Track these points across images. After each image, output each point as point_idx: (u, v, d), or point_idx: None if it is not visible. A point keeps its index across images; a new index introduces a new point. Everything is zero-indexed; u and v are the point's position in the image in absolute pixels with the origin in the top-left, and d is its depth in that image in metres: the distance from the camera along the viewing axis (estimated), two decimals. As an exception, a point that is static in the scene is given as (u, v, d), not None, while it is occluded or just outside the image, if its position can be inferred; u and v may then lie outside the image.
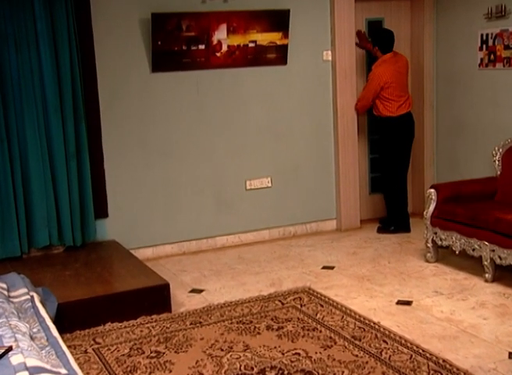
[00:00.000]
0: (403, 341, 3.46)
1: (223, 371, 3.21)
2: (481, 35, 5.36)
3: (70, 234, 4.87)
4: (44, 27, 4.59)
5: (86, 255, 4.80)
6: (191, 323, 3.84)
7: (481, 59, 5.41)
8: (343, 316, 3.85)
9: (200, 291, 4.48)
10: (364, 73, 5.93)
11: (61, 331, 2.98)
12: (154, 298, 3.99)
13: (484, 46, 5.36)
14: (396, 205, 5.69)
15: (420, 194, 6.04)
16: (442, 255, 4.91)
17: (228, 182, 5.53)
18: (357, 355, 3.32)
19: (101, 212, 5.07)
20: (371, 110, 5.73)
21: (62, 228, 4.87)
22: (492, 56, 5.30)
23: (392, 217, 5.71)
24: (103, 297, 3.91)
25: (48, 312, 3.29)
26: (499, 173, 4.98)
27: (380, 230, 5.74)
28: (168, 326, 3.82)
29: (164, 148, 5.26)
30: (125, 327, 3.80)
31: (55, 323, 3.15)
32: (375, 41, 5.55)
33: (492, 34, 5.26)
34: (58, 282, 4.15)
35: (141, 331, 3.75)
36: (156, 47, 4.98)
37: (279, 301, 4.17)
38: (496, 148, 5.01)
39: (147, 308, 3.95)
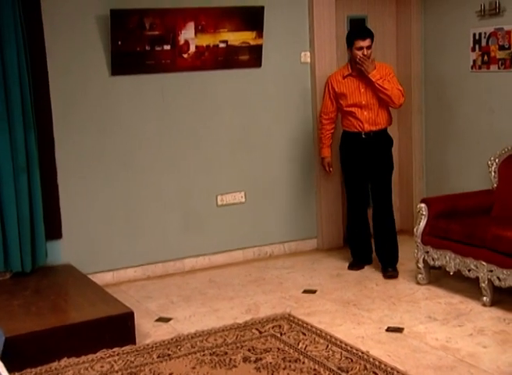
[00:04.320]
0: (395, 373, 3.45)
1: (196, 410, 3.18)
2: (474, 34, 5.46)
3: (18, 258, 4.80)
4: (-13, 25, 4.54)
5: (37, 281, 4.72)
6: (158, 356, 3.80)
7: (474, 61, 5.50)
8: (327, 345, 3.84)
9: (167, 320, 4.44)
10: (346, 76, 5.99)
11: (9, 370, 2.92)
12: (116, 329, 3.94)
13: (477, 46, 5.45)
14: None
15: (409, 209, 6.09)
16: (435, 276, 4.95)
17: (197, 197, 5.51)
18: (345, 390, 3.32)
19: (54, 232, 5.01)
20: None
21: (8, 251, 4.79)
22: (485, 57, 5.39)
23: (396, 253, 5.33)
24: (57, 329, 3.84)
25: (-6, 348, 3.22)
26: (495, 185, 5.05)
27: (388, 276, 5.17)
28: (132, 360, 3.77)
29: (125, 160, 5.22)
30: (83, 363, 3.74)
31: (1, 360, 3.09)
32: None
33: (485, 33, 5.35)
34: (4, 313, 4.07)
35: (102, 367, 3.69)
36: (116, 47, 4.96)
37: (257, 329, 4.15)
38: (492, 158, 5.08)
39: (108, 341, 3.89)
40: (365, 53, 5.05)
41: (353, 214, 5.41)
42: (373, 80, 5.04)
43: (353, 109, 5.19)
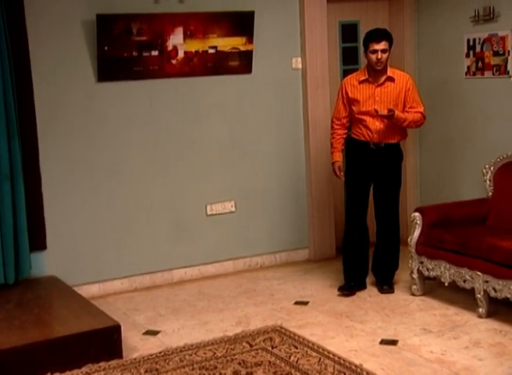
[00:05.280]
0: (389, 387, 3.45)
1: None
2: (468, 40, 5.48)
3: (1, 270, 4.76)
4: (-31, 30, 4.53)
5: (20, 294, 4.69)
6: (146, 371, 3.77)
7: (468, 67, 5.52)
8: (320, 359, 3.82)
9: (155, 333, 4.42)
10: (338, 83, 5.97)
11: (-9, 385, 2.91)
12: (103, 343, 3.91)
13: (471, 52, 5.47)
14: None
15: (403, 219, 6.05)
16: (430, 287, 4.95)
17: (186, 207, 5.49)
18: (338, 405, 3.30)
19: (39, 243, 4.98)
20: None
21: (-9, 263, 4.76)
22: (480, 64, 5.41)
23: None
24: (41, 343, 3.81)
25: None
26: (490, 194, 5.05)
27: (384, 292, 5.05)
28: (118, 375, 3.74)
29: (112, 168, 5.20)
30: (68, 378, 3.71)
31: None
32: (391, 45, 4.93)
33: (479, 39, 5.37)
34: (-14, 327, 4.05)
35: (87, 382, 3.67)
36: (102, 53, 4.95)
37: (247, 342, 4.13)
38: (487, 166, 5.08)
39: (94, 355, 3.87)
40: (379, 57, 4.77)
41: (351, 225, 5.17)
42: (395, 122, 4.84)
43: (364, 117, 4.92)
